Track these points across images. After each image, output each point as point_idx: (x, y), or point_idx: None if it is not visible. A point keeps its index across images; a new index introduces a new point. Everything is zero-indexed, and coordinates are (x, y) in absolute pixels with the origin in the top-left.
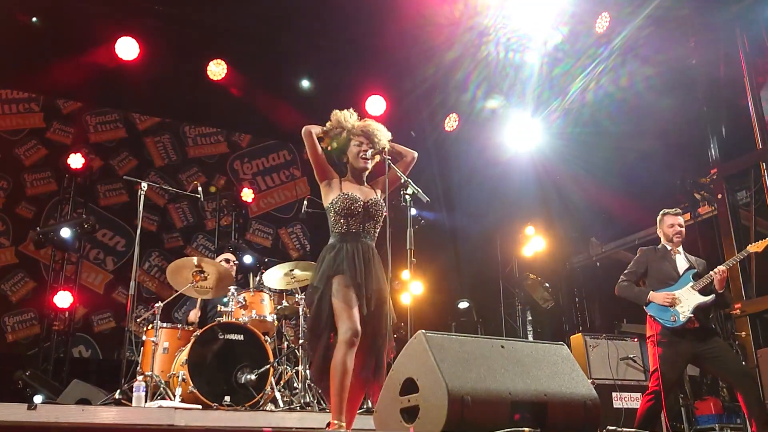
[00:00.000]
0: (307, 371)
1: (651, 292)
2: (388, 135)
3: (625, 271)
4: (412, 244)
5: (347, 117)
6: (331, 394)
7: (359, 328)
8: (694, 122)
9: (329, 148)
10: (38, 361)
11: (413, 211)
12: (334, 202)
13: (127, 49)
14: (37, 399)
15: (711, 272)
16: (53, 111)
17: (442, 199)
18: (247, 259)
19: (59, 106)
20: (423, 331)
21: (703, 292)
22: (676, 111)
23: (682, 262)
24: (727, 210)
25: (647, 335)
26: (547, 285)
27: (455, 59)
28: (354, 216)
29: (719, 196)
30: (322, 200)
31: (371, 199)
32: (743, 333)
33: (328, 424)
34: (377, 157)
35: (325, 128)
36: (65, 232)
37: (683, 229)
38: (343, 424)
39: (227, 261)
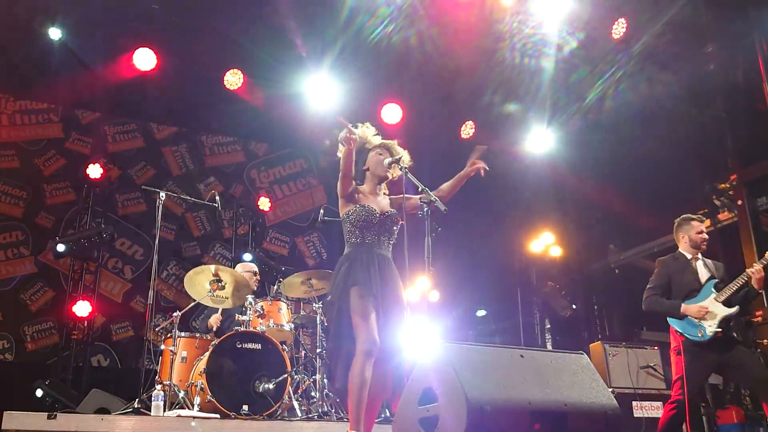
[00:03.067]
0: (325, 380)
1: (683, 305)
2: (407, 157)
3: (649, 286)
4: (430, 252)
5: (365, 129)
6: (350, 405)
7: (377, 338)
8: (713, 128)
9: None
10: (57, 370)
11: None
12: (350, 213)
13: (145, 59)
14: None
15: (746, 272)
16: (72, 121)
17: (458, 208)
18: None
19: (78, 117)
20: (442, 340)
21: (726, 302)
22: (694, 117)
23: (702, 270)
24: (747, 216)
25: (671, 345)
26: (564, 293)
27: (471, 65)
28: (370, 228)
29: (739, 202)
30: (338, 209)
31: (387, 212)
32: (765, 341)
33: None
34: (397, 168)
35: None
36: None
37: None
38: None
39: (254, 273)
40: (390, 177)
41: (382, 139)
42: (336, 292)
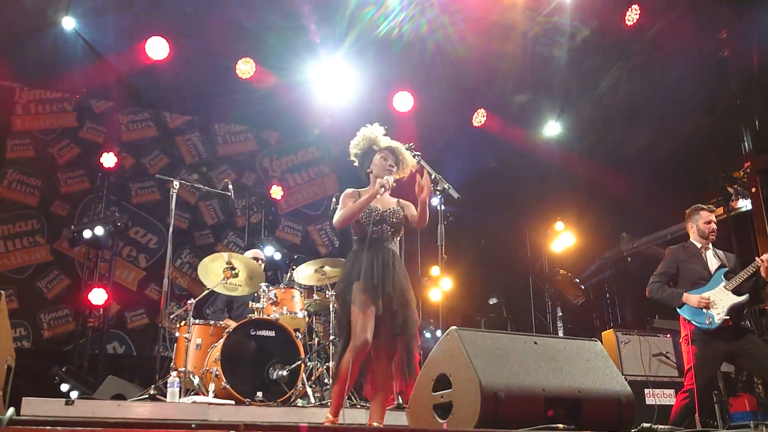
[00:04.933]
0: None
1: (685, 294)
2: (413, 162)
3: (656, 273)
4: (443, 240)
5: (374, 130)
6: (334, 393)
7: (369, 338)
8: (726, 115)
9: (354, 157)
10: (74, 357)
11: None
12: None
13: (158, 48)
14: (72, 394)
15: (756, 261)
16: (85, 110)
17: (471, 195)
18: (277, 255)
19: (91, 106)
20: (456, 327)
21: (736, 291)
22: (708, 103)
23: (712, 259)
24: (761, 203)
25: (681, 334)
26: (577, 281)
27: (483, 54)
28: (373, 224)
29: (753, 189)
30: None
31: (390, 209)
32: None
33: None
34: (400, 175)
35: (355, 142)
36: (99, 230)
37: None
38: (336, 420)
39: (256, 259)
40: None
41: (391, 135)
42: (340, 285)
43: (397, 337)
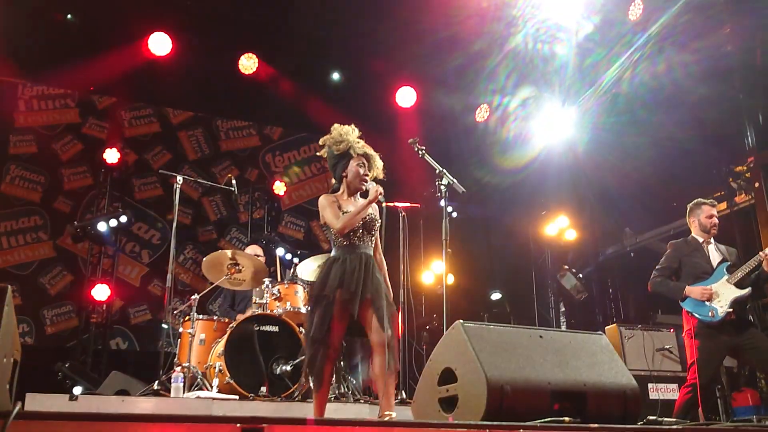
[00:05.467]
0: (341, 362)
1: (688, 286)
2: (380, 168)
3: (658, 267)
4: (447, 234)
5: (350, 132)
6: (319, 400)
7: (337, 345)
8: (730, 110)
9: (325, 154)
10: (77, 353)
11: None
12: None
13: (160, 44)
14: (77, 390)
15: (759, 254)
16: (88, 106)
17: (474, 190)
18: (279, 251)
19: (94, 102)
20: (461, 321)
21: (738, 284)
22: (711, 99)
23: (714, 253)
24: (764, 199)
25: (684, 329)
26: (580, 276)
27: (484, 50)
28: (354, 231)
29: (756, 184)
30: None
31: (370, 215)
32: None
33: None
34: (373, 183)
35: (326, 138)
36: (102, 226)
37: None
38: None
39: (256, 255)
40: (363, 189)
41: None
42: (321, 291)
43: (387, 329)
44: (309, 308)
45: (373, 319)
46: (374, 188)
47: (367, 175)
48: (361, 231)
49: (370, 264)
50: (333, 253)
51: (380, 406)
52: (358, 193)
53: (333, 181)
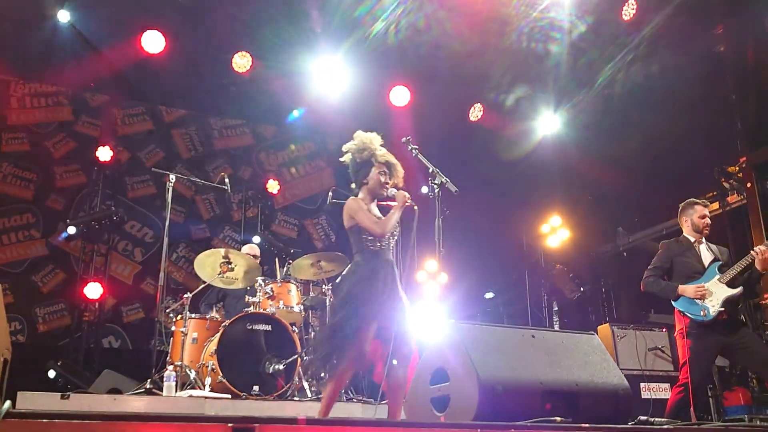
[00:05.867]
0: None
1: (680, 285)
2: (402, 172)
3: (650, 267)
4: (440, 234)
5: (372, 139)
6: (330, 399)
7: (365, 353)
8: (722, 110)
9: (347, 160)
10: (69, 352)
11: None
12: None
13: (153, 42)
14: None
15: (751, 252)
16: (81, 104)
17: (467, 190)
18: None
19: (87, 100)
20: (453, 320)
21: (730, 283)
22: (704, 99)
23: (706, 253)
24: (756, 199)
25: (676, 328)
26: (572, 275)
27: (478, 49)
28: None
29: (748, 184)
30: (346, 196)
31: None
32: None
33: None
34: (394, 189)
35: (348, 145)
36: (72, 230)
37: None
38: None
39: (254, 257)
40: (384, 196)
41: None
42: (349, 295)
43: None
44: (336, 308)
45: (399, 329)
46: (402, 195)
47: (387, 182)
48: (388, 237)
49: (395, 273)
50: (358, 258)
51: (390, 416)
52: (376, 199)
53: (353, 186)
